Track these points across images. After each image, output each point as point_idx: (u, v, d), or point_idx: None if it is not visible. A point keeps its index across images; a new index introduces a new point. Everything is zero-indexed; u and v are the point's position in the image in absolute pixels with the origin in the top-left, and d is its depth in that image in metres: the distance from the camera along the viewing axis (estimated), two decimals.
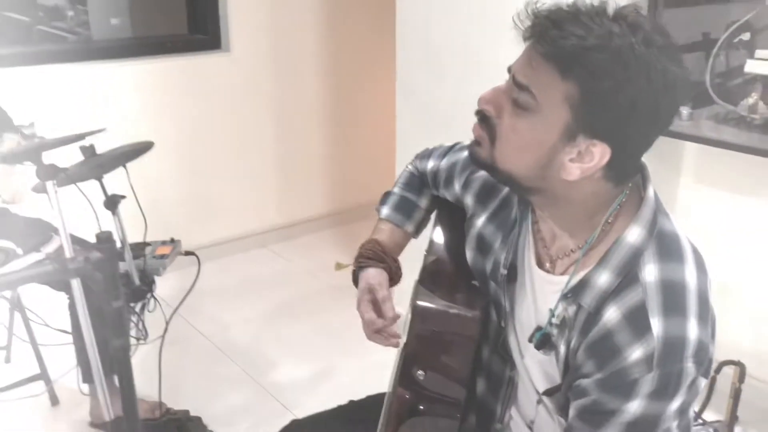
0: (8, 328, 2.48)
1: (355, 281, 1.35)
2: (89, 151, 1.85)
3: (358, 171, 3.94)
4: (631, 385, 0.92)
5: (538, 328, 1.07)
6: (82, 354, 1.97)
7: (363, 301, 1.28)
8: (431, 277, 1.21)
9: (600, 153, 0.93)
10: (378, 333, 1.27)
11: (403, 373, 1.14)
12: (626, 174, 0.99)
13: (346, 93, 3.76)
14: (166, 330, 2.06)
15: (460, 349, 1.12)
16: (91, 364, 1.76)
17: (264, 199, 3.64)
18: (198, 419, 2.29)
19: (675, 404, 0.94)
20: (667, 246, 0.98)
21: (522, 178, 0.99)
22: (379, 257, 1.32)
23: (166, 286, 2.30)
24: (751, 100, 1.91)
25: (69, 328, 2.10)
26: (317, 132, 3.74)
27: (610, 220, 1.00)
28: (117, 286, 1.85)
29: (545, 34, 0.90)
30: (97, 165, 1.86)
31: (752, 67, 1.89)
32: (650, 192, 1.01)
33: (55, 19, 3.08)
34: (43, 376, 2.36)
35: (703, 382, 0.96)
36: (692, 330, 0.93)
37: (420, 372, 1.12)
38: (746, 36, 1.92)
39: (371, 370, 2.58)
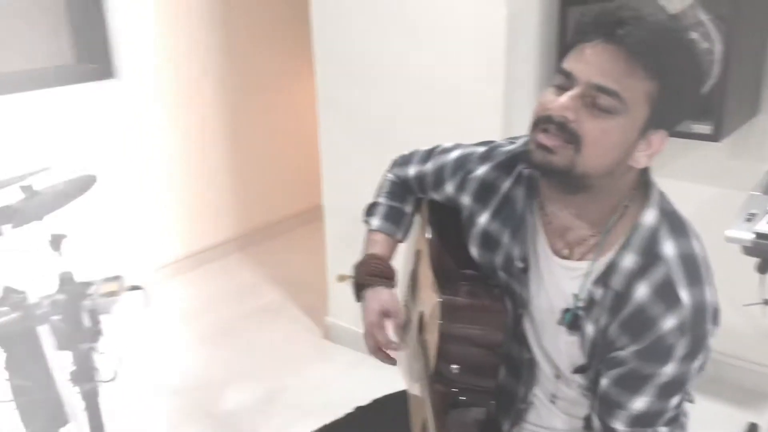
0: None
1: (357, 294, 1.38)
2: (29, 191, 1.73)
3: (271, 189, 3.91)
4: (668, 350, 1.03)
5: (566, 310, 1.14)
6: (31, 409, 1.83)
7: (377, 325, 1.33)
8: (441, 274, 1.25)
9: (660, 139, 1.03)
10: (382, 352, 1.33)
11: (437, 370, 1.18)
12: None
13: (253, 111, 3.72)
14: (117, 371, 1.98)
15: (490, 341, 1.17)
16: (67, 410, 1.65)
17: (174, 227, 3.53)
18: None
19: (698, 362, 1.06)
20: (675, 223, 1.09)
21: (596, 176, 1.03)
22: (386, 275, 1.36)
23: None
24: None
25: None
26: (223, 154, 3.68)
27: (627, 204, 1.09)
28: (81, 328, 1.75)
29: (625, 31, 0.95)
30: (39, 204, 1.74)
31: None
32: (651, 175, 1.12)
33: None
34: None
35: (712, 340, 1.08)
36: (709, 296, 1.05)
37: (454, 366, 1.16)
38: None
39: (324, 379, 2.60)
